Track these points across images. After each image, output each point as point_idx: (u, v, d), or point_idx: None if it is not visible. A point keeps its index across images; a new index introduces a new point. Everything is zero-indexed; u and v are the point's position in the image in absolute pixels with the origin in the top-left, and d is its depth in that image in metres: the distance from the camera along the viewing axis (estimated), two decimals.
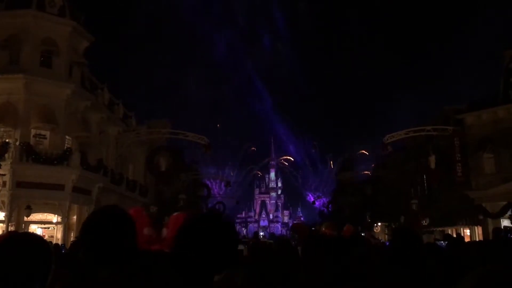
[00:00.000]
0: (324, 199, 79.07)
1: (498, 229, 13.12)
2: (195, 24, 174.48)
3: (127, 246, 1.94)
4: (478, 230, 27.08)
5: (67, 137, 24.01)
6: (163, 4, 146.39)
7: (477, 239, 24.33)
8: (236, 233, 1.81)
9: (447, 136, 28.69)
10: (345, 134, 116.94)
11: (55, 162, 21.76)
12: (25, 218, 21.08)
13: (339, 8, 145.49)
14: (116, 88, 33.41)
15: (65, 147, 23.07)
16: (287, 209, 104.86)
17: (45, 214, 22.81)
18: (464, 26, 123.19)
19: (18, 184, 20.76)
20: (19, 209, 20.93)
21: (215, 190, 76.32)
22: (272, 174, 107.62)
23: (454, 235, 21.98)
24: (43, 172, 21.35)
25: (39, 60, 23.71)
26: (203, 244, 1.68)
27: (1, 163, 19.20)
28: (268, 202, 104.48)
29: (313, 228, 15.24)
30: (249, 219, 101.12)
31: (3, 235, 2.03)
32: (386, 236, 34.69)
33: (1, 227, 20.45)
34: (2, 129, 22.19)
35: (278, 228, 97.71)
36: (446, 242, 10.18)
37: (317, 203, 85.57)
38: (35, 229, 21.61)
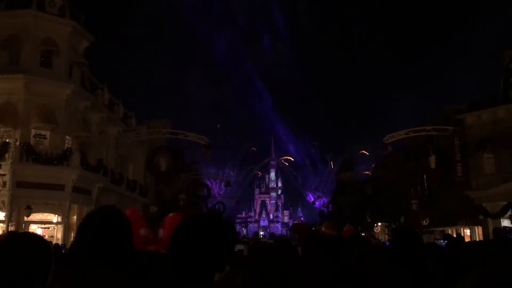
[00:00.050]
0: (324, 199, 79.08)
1: (498, 229, 13.13)
2: (195, 24, 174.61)
3: (123, 246, 1.94)
4: (478, 230, 27.08)
5: (67, 137, 24.01)
6: (163, 4, 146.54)
7: (477, 239, 24.33)
8: (232, 233, 1.81)
9: (447, 136, 28.68)
10: (345, 134, 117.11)
11: (55, 162, 21.77)
12: (25, 218, 21.08)
13: (339, 8, 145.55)
14: (116, 88, 33.49)
15: (65, 147, 23.07)
16: (287, 209, 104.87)
17: (45, 214, 22.81)
18: (464, 26, 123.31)
19: (18, 184, 20.76)
20: (19, 209, 20.93)
21: (215, 190, 76.33)
22: (272, 174, 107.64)
23: (454, 235, 21.99)
24: (43, 172, 21.35)
25: (39, 60, 23.71)
26: (198, 245, 1.67)
27: (1, 163, 19.20)
28: (268, 202, 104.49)
29: (313, 228, 15.24)
30: (249, 219, 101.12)
31: (3, 235, 2.04)
32: (386, 236, 34.69)
33: (1, 227, 20.46)
34: (2, 129, 22.19)
35: (278, 228, 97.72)
36: (446, 241, 10.19)
37: (317, 203, 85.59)
38: (35, 229, 21.60)
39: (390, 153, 32.62)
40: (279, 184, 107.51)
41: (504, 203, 23.49)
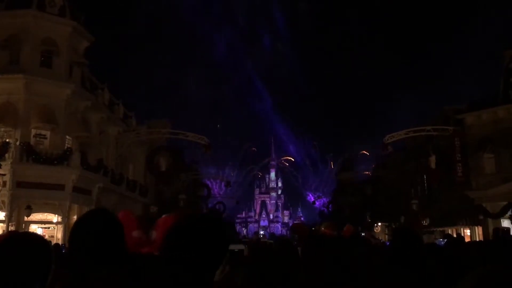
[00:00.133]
0: (325, 199, 79.10)
1: (497, 230, 13.12)
2: (195, 24, 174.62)
3: (116, 249, 1.93)
4: (478, 230, 27.07)
5: (67, 137, 24.02)
6: (163, 4, 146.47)
7: (478, 239, 24.33)
8: (226, 233, 1.79)
9: (447, 136, 28.68)
10: (345, 134, 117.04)
11: (55, 162, 21.77)
12: (25, 218, 21.09)
13: (339, 8, 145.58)
14: (116, 88, 33.43)
15: (65, 147, 23.07)
16: (287, 209, 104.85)
17: (45, 214, 22.82)
18: (464, 26, 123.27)
19: (18, 184, 20.77)
20: (19, 209, 20.93)
21: (215, 190, 76.36)
22: (272, 174, 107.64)
23: (454, 235, 21.99)
24: (43, 172, 21.36)
25: (39, 60, 23.71)
26: (191, 246, 1.66)
27: (2, 163, 19.20)
28: (268, 202, 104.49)
29: (313, 228, 15.24)
30: (249, 219, 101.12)
31: (3, 235, 2.04)
32: (386, 236, 34.69)
33: (1, 227, 20.47)
34: (2, 129, 22.20)
35: (278, 228, 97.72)
36: (445, 240, 10.18)
37: (317, 203, 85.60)
38: (35, 229, 21.60)
39: (390, 153, 32.62)
40: (279, 184, 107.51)
41: (504, 203, 23.49)
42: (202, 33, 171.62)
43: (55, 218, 22.79)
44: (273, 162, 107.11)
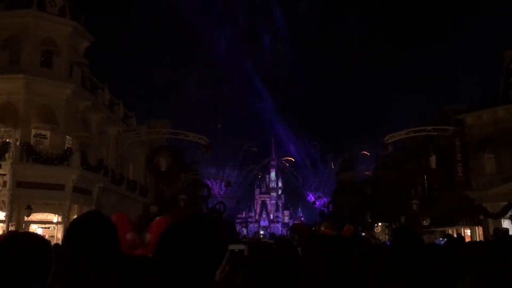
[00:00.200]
0: (325, 199, 79.07)
1: (497, 230, 13.13)
2: (195, 24, 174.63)
3: (110, 251, 1.93)
4: (479, 231, 27.06)
5: (67, 137, 24.01)
6: (163, 4, 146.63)
7: (478, 240, 24.33)
8: (220, 235, 1.77)
9: (448, 136, 28.68)
10: (345, 134, 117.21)
11: (56, 162, 21.77)
12: (26, 218, 21.09)
13: (339, 8, 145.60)
14: (117, 88, 33.36)
15: (66, 147, 23.07)
16: (287, 209, 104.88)
17: (46, 214, 22.81)
18: (464, 26, 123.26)
19: (19, 184, 20.76)
20: (19, 209, 20.93)
21: (216, 190, 76.32)
22: (273, 174, 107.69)
23: (455, 236, 21.98)
24: (43, 172, 21.35)
25: (39, 60, 23.71)
26: (185, 248, 1.64)
27: (2, 163, 19.21)
28: (268, 202, 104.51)
29: (313, 228, 15.24)
30: (249, 219, 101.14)
31: (3, 235, 2.04)
32: (387, 236, 34.68)
33: (2, 227, 20.47)
34: (2, 129, 22.19)
35: (278, 228, 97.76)
36: (445, 239, 10.17)
37: (317, 203, 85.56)
38: (35, 229, 21.60)
39: (391, 153, 32.62)
40: (280, 184, 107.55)
41: (505, 203, 23.49)
42: (202, 33, 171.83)
43: (55, 218, 22.79)
44: (273, 162, 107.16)
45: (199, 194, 44.37)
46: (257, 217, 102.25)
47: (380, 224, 38.67)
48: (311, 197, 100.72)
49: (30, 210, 20.29)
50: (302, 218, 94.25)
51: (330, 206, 54.90)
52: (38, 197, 21.28)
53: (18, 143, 21.16)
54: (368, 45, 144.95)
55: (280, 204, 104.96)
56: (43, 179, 21.33)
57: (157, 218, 2.87)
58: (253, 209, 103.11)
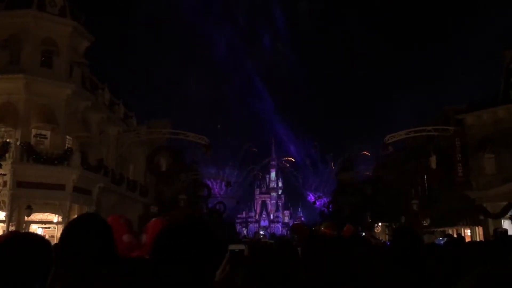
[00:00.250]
0: (325, 199, 79.08)
1: (497, 230, 13.13)
2: (195, 24, 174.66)
3: (106, 253, 1.92)
4: (479, 231, 27.06)
5: (67, 137, 24.01)
6: (163, 4, 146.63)
7: (478, 240, 24.33)
8: (216, 235, 1.74)
9: (448, 136, 28.68)
10: (345, 134, 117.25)
11: (56, 162, 21.77)
12: (26, 218, 21.08)
13: (339, 8, 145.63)
14: (117, 88, 33.36)
15: (66, 147, 23.07)
16: (287, 209, 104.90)
17: (46, 214, 22.81)
18: (464, 26, 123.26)
19: (19, 184, 20.76)
20: (19, 209, 20.93)
21: (216, 190, 76.34)
22: (273, 174, 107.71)
23: (455, 236, 21.98)
24: (43, 172, 21.36)
25: (39, 60, 23.71)
26: (181, 249, 1.62)
27: (2, 163, 19.20)
28: (268, 202, 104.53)
29: (313, 228, 15.24)
30: (249, 219, 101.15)
31: (5, 235, 2.04)
32: (387, 236, 34.68)
33: (2, 227, 20.48)
34: (2, 129, 22.20)
35: (278, 228, 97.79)
36: (445, 239, 10.17)
37: (317, 203, 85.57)
38: (35, 229, 21.60)
39: (391, 153, 32.62)
40: (280, 184, 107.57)
41: (505, 203, 23.49)
42: (202, 33, 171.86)
43: (55, 218, 22.78)
44: (273, 162, 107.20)
45: (199, 194, 44.36)
46: (257, 217, 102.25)
47: (380, 224, 38.66)
48: (311, 197, 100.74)
49: (30, 210, 20.29)
50: (302, 218, 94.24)
51: (330, 206, 54.90)
52: (38, 197, 21.28)
53: (18, 143, 21.16)
54: (368, 45, 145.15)
55: (280, 204, 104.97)
56: (43, 179, 21.33)
57: (153, 219, 2.87)
58: (253, 209, 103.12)
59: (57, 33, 24.00)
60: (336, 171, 79.79)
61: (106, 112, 29.03)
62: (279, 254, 3.22)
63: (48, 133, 23.23)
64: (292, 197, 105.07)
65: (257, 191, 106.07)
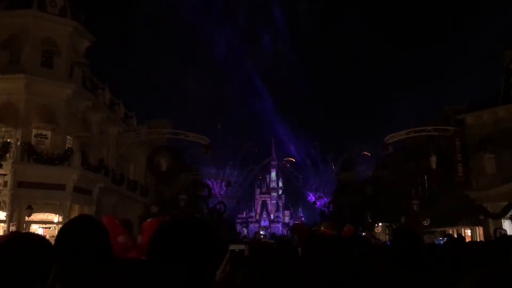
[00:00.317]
0: (325, 199, 79.07)
1: (497, 231, 13.13)
2: (195, 24, 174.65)
3: (102, 254, 1.91)
4: (479, 231, 27.06)
5: (68, 137, 24.03)
6: (163, 4, 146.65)
7: (478, 240, 24.32)
8: (212, 235, 1.73)
9: (448, 136, 28.67)
10: (345, 134, 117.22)
11: (56, 162, 21.78)
12: (26, 218, 21.09)
13: (339, 8, 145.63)
14: (117, 88, 33.37)
15: (66, 147, 23.09)
16: (288, 209, 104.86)
17: (46, 214, 22.81)
18: (464, 26, 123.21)
19: (19, 184, 20.78)
20: (20, 209, 20.94)
21: (216, 190, 76.30)
22: (273, 174, 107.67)
23: (455, 236, 21.97)
24: (44, 172, 21.36)
25: (39, 60, 23.72)
26: (177, 249, 1.61)
27: (2, 163, 19.21)
28: (269, 202, 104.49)
29: (313, 228, 15.23)
30: (250, 219, 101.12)
31: (6, 236, 2.04)
32: (387, 236, 34.67)
33: (2, 227, 20.49)
34: (3, 129, 22.21)
35: (279, 228, 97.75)
36: (445, 239, 10.17)
37: (318, 203, 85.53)
38: (36, 229, 21.60)
39: (391, 153, 32.61)
40: (280, 184, 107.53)
41: (505, 203, 23.48)
42: (202, 33, 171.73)
43: (56, 218, 22.79)
44: (273, 162, 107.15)
45: (199, 194, 44.37)
46: (257, 217, 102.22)
47: (380, 224, 38.66)
48: (311, 197, 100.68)
49: (31, 210, 20.30)
50: (303, 218, 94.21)
51: (330, 206, 54.89)
52: (39, 197, 21.29)
53: (19, 143, 21.18)
54: (368, 45, 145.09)
55: (281, 204, 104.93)
56: (44, 179, 21.34)
57: (149, 219, 2.86)
58: (253, 209, 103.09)
59: (57, 33, 24.01)
60: (336, 171, 79.72)
61: (106, 112, 29.04)
62: (279, 254, 3.22)
63: (48, 133, 23.24)
64: (293, 197, 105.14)
65: (258, 191, 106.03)
